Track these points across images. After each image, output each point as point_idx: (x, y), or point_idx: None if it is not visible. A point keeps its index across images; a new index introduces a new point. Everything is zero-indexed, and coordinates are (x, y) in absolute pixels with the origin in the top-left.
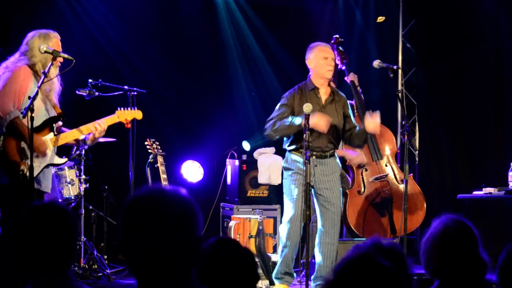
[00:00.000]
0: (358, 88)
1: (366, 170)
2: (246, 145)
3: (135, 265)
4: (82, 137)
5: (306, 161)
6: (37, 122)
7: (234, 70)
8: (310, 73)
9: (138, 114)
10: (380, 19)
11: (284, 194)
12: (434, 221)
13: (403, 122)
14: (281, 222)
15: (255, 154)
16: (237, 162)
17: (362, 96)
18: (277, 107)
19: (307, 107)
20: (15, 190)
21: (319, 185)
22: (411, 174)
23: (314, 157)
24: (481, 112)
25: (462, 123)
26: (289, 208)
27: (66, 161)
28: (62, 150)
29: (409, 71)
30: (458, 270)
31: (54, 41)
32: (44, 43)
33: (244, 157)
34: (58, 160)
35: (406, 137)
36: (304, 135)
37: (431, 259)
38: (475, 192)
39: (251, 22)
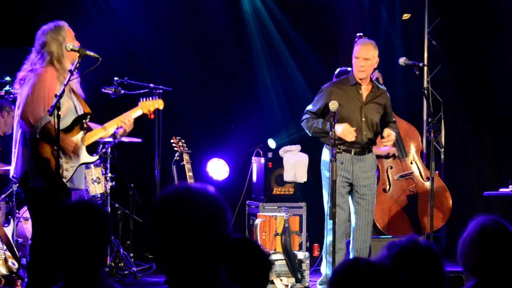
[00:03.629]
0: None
1: (391, 167)
2: (271, 143)
3: (164, 263)
4: (111, 131)
5: (332, 158)
6: (67, 122)
7: (260, 68)
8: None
9: (160, 103)
10: (406, 16)
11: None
12: (471, 221)
13: (429, 120)
14: (307, 220)
15: (281, 152)
16: (262, 160)
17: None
18: (316, 99)
19: (333, 105)
20: (51, 193)
21: (357, 182)
22: (437, 172)
23: (353, 153)
24: (508, 108)
25: (488, 120)
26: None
27: (97, 159)
28: (89, 147)
29: (434, 68)
30: (495, 269)
31: (66, 30)
32: (57, 36)
33: (270, 154)
34: (89, 158)
35: (432, 134)
36: (330, 133)
37: (469, 257)
38: (501, 190)
39: (276, 20)
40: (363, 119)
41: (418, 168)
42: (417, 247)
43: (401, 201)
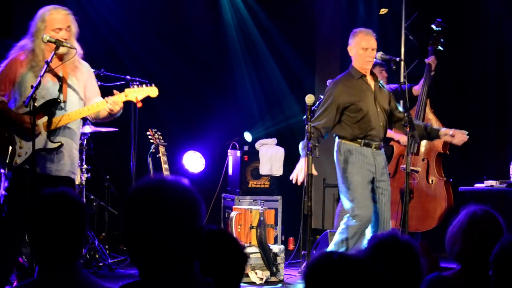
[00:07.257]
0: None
1: (403, 157)
2: (247, 136)
3: (137, 255)
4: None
5: (308, 152)
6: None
7: (237, 61)
8: (352, 61)
9: (153, 91)
10: (383, 11)
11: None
12: (462, 210)
13: (406, 114)
14: (282, 214)
15: (257, 145)
16: (238, 153)
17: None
18: (322, 107)
19: (309, 98)
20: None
21: (379, 177)
22: (450, 180)
23: (373, 147)
24: (483, 105)
25: (464, 116)
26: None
27: (60, 145)
28: None
29: (411, 63)
30: (480, 258)
31: (47, 19)
32: (42, 25)
33: (246, 148)
34: (50, 144)
35: (408, 129)
36: (306, 127)
37: (457, 243)
38: (476, 185)
39: (253, 13)
40: (378, 109)
41: (427, 169)
42: (396, 241)
43: (394, 193)
